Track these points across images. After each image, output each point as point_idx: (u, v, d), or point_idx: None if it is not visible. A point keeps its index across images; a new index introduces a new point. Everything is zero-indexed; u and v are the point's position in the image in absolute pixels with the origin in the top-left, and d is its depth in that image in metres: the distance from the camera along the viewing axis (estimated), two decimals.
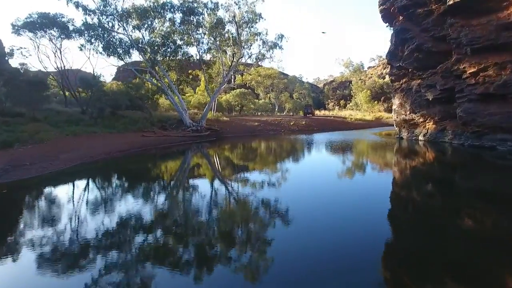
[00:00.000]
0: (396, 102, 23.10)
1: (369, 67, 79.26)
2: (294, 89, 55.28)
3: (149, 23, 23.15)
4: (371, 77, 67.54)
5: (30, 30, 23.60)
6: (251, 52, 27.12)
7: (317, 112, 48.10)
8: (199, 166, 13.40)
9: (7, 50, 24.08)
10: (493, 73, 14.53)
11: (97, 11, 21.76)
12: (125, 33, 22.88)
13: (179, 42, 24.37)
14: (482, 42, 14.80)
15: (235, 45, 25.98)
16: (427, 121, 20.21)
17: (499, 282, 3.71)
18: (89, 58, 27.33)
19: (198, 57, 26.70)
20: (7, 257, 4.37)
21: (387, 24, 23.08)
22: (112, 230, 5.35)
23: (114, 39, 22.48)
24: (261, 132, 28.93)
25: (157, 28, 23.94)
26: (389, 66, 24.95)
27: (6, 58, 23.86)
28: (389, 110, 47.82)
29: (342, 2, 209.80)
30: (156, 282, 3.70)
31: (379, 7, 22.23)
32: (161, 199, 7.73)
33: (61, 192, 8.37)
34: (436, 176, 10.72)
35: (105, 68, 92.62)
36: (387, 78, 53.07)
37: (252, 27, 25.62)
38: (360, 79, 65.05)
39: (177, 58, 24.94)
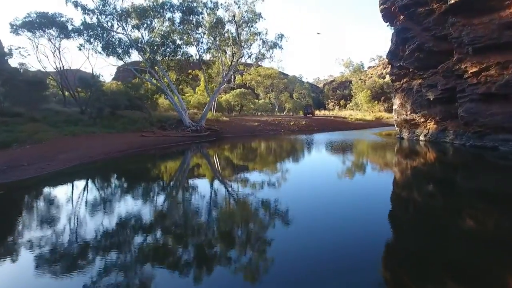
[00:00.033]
0: (396, 102, 22.99)
1: (369, 67, 79.18)
2: (294, 89, 55.22)
3: (149, 22, 23.03)
4: (371, 77, 67.46)
5: (29, 30, 23.49)
6: (251, 52, 27.12)
7: (317, 112, 48.01)
8: (198, 167, 13.30)
9: (6, 50, 24.01)
10: (495, 73, 14.41)
11: (96, 10, 21.65)
12: (124, 32, 22.79)
13: (178, 41, 24.26)
14: (484, 42, 14.70)
15: (234, 45, 25.88)
16: (428, 121, 20.10)
17: (500, 282, 3.67)
18: (88, 58, 27.29)
19: (197, 57, 26.62)
20: (4, 259, 4.33)
21: (388, 23, 22.98)
22: (110, 231, 5.28)
23: (113, 39, 22.38)
24: (261, 132, 28.84)
25: (157, 28, 23.83)
26: (390, 66, 24.84)
27: (6, 58, 23.78)
28: (389, 110, 47.78)
29: (342, 2, 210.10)
30: (156, 283, 3.67)
31: (379, 6, 22.12)
32: (160, 199, 7.65)
33: (58, 193, 8.27)
34: (437, 176, 10.63)
35: (104, 68, 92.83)
36: (387, 78, 53.07)
37: (252, 26, 25.56)
38: (360, 79, 64.97)
39: (177, 58, 24.83)
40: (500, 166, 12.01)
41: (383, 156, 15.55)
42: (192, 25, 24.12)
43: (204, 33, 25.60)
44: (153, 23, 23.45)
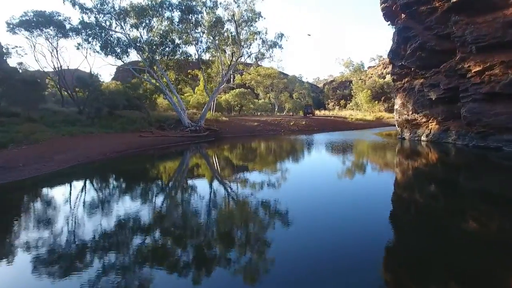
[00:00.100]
0: (398, 101, 22.78)
1: (369, 67, 78.91)
2: (294, 89, 55.05)
3: (147, 21, 22.81)
4: (371, 77, 67.28)
5: (26, 29, 23.30)
6: (250, 51, 26.95)
7: (317, 112, 47.81)
8: (197, 167, 13.13)
9: (3, 49, 23.79)
10: (499, 72, 14.21)
11: (94, 9, 21.44)
12: (123, 32, 22.57)
13: (177, 41, 24.06)
14: (488, 40, 14.50)
15: (234, 44, 25.69)
16: (430, 121, 19.89)
17: (502, 285, 3.61)
18: (86, 57, 26.96)
19: (197, 57, 26.40)
20: (0, 260, 4.29)
21: (389, 22, 22.78)
22: (108, 233, 5.18)
23: (111, 38, 22.16)
24: (261, 132, 28.67)
25: (155, 27, 23.60)
26: (391, 65, 24.64)
27: (4, 58, 23.57)
28: (389, 110, 47.65)
29: (342, 2, 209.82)
30: (155, 284, 3.62)
31: (380, 5, 21.93)
32: (158, 200, 7.53)
33: (54, 194, 8.08)
34: (439, 177, 10.44)
35: (103, 67, 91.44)
36: (388, 78, 52.99)
37: (251, 26, 25.38)
38: (360, 79, 64.81)
39: (176, 57, 24.64)
40: (504, 167, 11.81)
41: (384, 156, 15.36)
42: (191, 24, 23.88)
43: (203, 32, 25.39)
44: (152, 22, 23.23)
